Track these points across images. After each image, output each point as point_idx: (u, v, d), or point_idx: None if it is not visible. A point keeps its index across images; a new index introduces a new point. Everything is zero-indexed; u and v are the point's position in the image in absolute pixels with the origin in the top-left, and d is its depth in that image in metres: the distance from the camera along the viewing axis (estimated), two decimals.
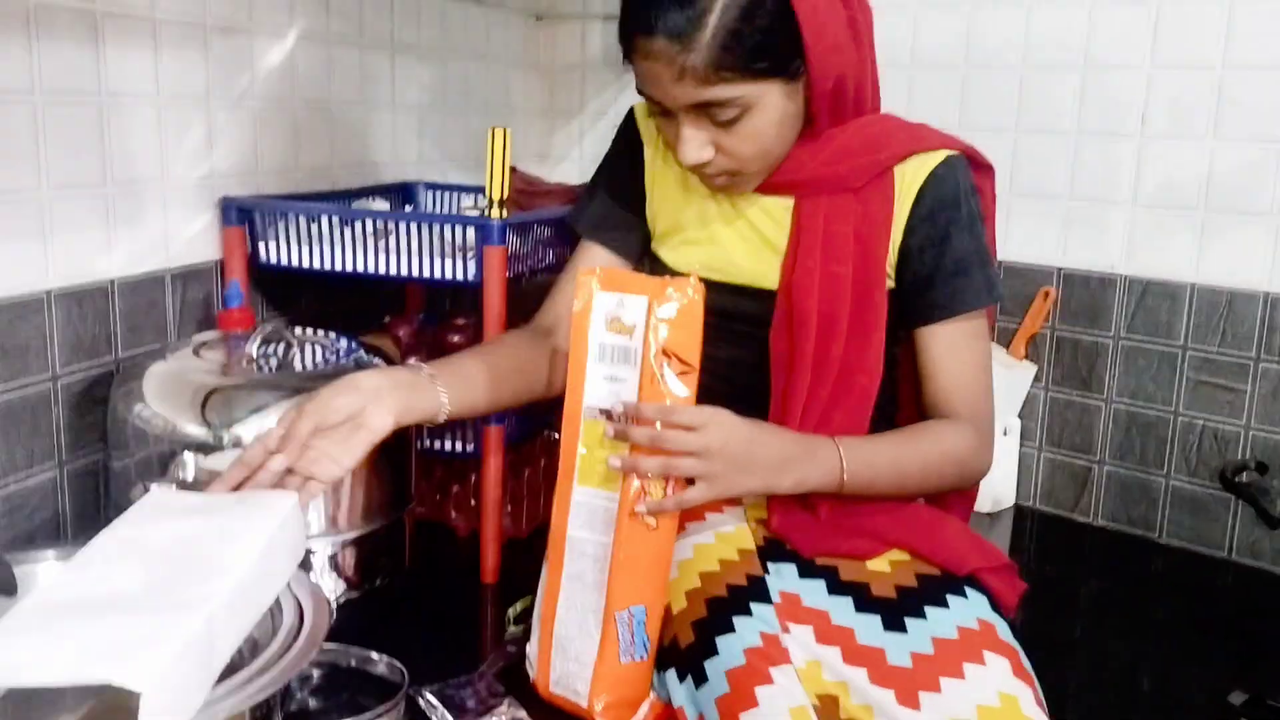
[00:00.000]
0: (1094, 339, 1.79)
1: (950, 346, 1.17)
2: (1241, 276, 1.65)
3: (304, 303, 1.66)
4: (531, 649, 1.13)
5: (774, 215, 1.19)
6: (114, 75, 1.32)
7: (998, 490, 1.85)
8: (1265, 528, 1.60)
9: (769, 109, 1.07)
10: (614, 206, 1.30)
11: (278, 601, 0.95)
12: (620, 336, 1.05)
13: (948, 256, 1.15)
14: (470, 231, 1.42)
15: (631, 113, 1.31)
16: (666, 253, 1.26)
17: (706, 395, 1.23)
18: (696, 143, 1.09)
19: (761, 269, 1.20)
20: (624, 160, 1.30)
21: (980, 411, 1.17)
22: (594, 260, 1.29)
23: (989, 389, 1.19)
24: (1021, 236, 1.82)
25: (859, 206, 1.15)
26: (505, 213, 1.42)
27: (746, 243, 1.21)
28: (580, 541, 1.07)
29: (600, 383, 1.06)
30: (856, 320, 1.14)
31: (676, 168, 1.24)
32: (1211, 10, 1.62)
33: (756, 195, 1.19)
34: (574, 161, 2.34)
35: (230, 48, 1.49)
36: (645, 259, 1.32)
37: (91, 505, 1.34)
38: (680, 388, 1.04)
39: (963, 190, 1.16)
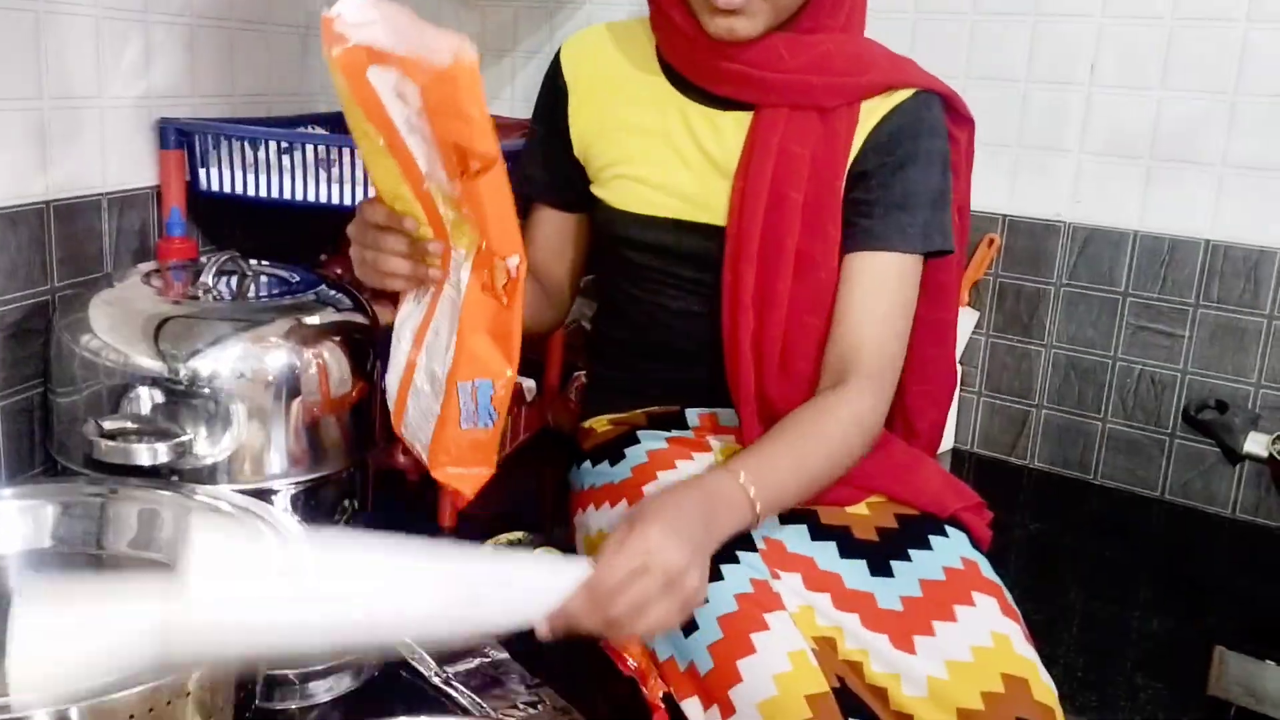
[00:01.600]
0: (1036, 286, 1.82)
1: (873, 283, 1.09)
2: (1183, 225, 1.69)
3: (238, 235, 1.58)
4: (391, 383, 1.09)
5: (726, 135, 1.13)
6: None
7: None
8: (1217, 468, 1.66)
9: None
10: (551, 162, 1.23)
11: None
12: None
13: (896, 188, 1.09)
14: None
15: (557, 57, 1.23)
16: (603, 190, 1.19)
17: (655, 352, 1.22)
18: None
19: (712, 200, 1.13)
20: (550, 111, 1.23)
21: (886, 367, 1.09)
22: (547, 223, 1.26)
23: (899, 339, 1.11)
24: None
25: (821, 129, 1.10)
26: None
27: (693, 170, 1.14)
28: (445, 300, 1.00)
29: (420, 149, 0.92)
30: (806, 253, 1.09)
31: (614, 101, 1.18)
32: None
33: (710, 110, 1.13)
34: (505, 101, 2.27)
35: None
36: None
37: (26, 444, 1.25)
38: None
39: (928, 127, 1.12)
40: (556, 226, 1.26)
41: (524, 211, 1.25)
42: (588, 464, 1.21)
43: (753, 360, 1.10)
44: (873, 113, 1.11)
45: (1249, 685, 1.14)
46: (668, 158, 1.15)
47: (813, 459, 1.03)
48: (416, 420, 1.05)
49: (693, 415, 1.23)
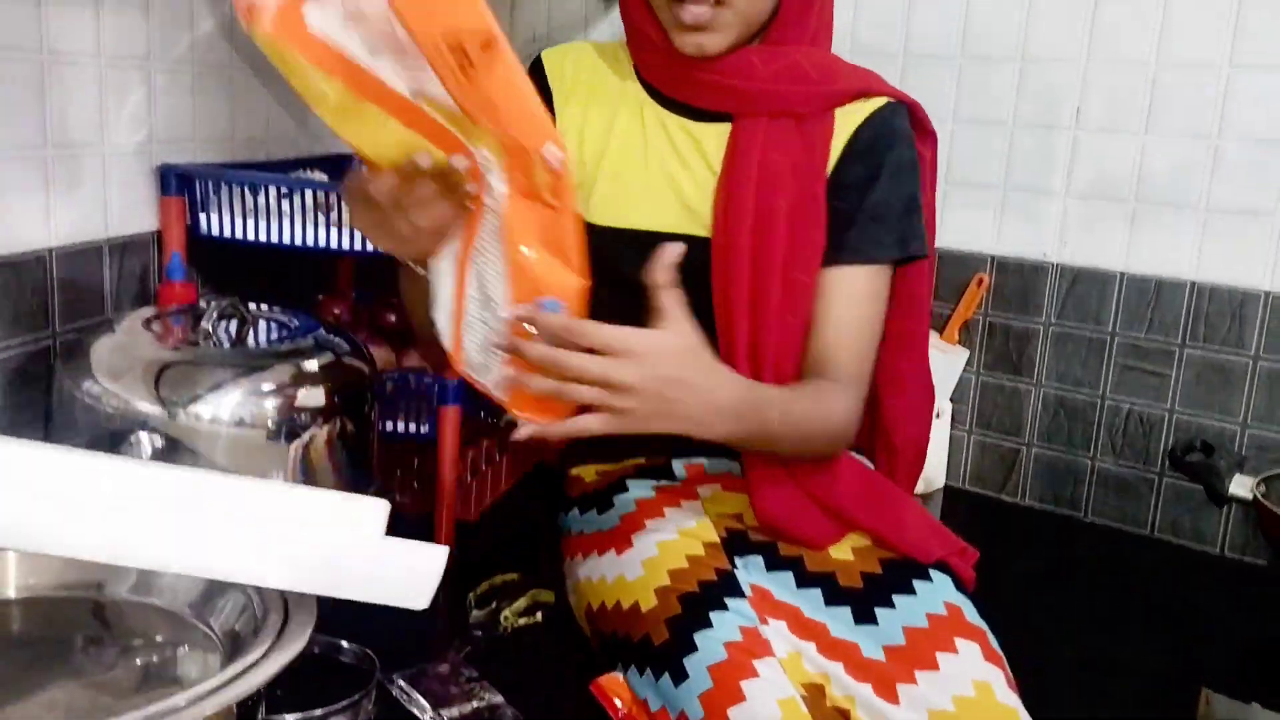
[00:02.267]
0: (1025, 325, 1.84)
1: (848, 296, 1.12)
2: (1169, 266, 1.72)
3: (236, 277, 1.60)
4: (441, 321, 1.01)
5: (706, 144, 1.14)
6: (55, 32, 1.24)
7: (929, 472, 1.89)
8: (1205, 507, 1.67)
9: None
10: None
11: (261, 594, 0.92)
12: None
13: (870, 198, 1.12)
14: None
15: (538, 62, 1.24)
16: (584, 205, 1.16)
17: None
18: None
19: (695, 210, 1.14)
20: None
21: (861, 372, 1.13)
22: None
23: (873, 349, 1.15)
24: (957, 224, 1.86)
25: (799, 137, 1.12)
26: None
27: (676, 181, 1.15)
28: (487, 218, 0.91)
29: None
30: (791, 262, 1.10)
31: (594, 109, 1.18)
32: (1147, 7, 1.68)
33: (689, 122, 1.15)
34: None
35: (171, 7, 1.42)
36: None
37: None
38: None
39: (900, 137, 1.14)
40: None
41: None
42: (575, 511, 1.22)
43: (749, 371, 1.10)
44: (848, 121, 1.13)
45: None
46: (649, 171, 1.16)
47: (802, 413, 1.06)
48: (479, 358, 0.96)
49: (679, 466, 1.24)
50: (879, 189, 1.12)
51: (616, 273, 1.10)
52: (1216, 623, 1.49)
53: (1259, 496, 1.33)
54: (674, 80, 1.15)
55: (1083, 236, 1.78)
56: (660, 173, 1.15)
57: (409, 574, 0.83)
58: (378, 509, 0.86)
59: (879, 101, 1.14)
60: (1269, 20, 1.61)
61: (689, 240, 1.09)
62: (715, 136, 1.14)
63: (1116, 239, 1.75)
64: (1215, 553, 1.71)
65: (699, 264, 1.11)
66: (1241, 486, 1.37)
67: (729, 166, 1.12)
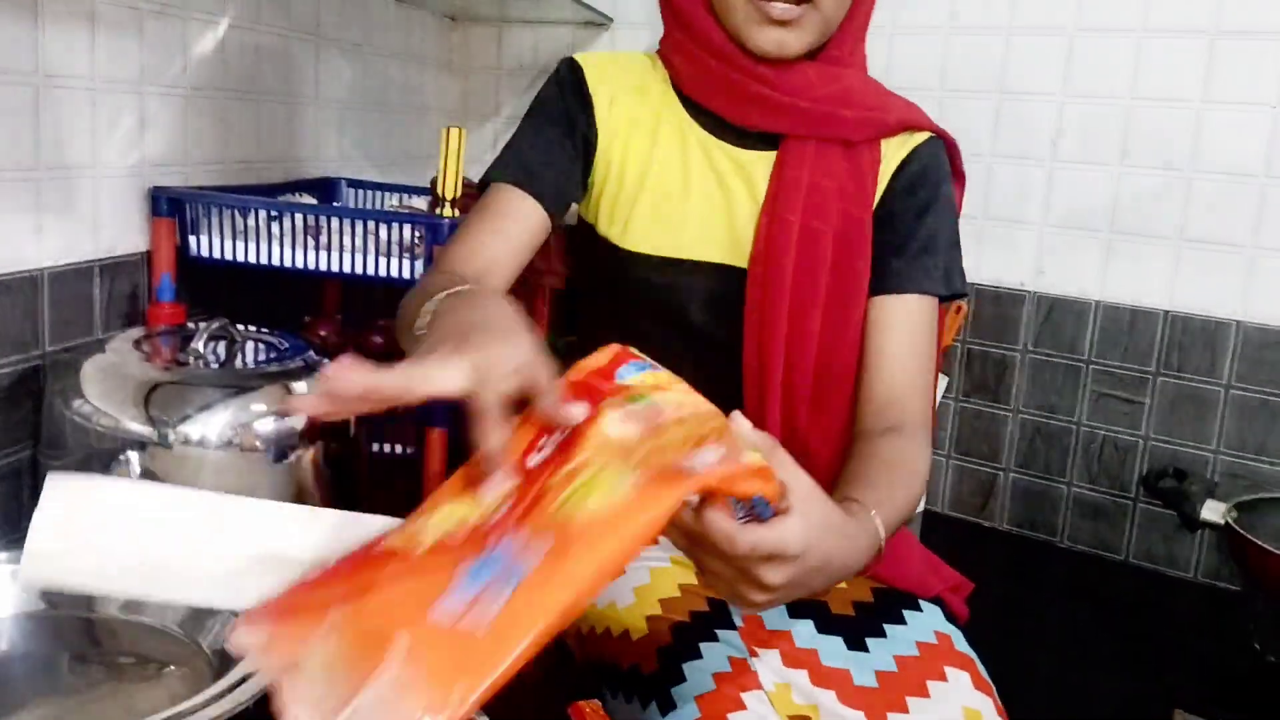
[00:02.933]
0: (1003, 352, 1.87)
1: (909, 326, 1.07)
2: (1143, 296, 1.75)
3: (224, 298, 1.61)
4: None
5: (750, 172, 1.09)
6: (51, 56, 1.26)
7: None
8: (1179, 532, 1.69)
9: None
10: (552, 151, 1.09)
11: None
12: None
13: (921, 231, 1.08)
14: (407, 230, 1.40)
15: (573, 63, 1.13)
16: (612, 228, 1.11)
17: None
18: None
19: (733, 240, 1.08)
20: (569, 115, 1.10)
21: (929, 415, 1.08)
22: (522, 207, 1.06)
23: (932, 387, 1.10)
24: None
25: (845, 164, 1.08)
26: (456, 212, 1.41)
27: (717, 211, 1.09)
28: None
29: None
30: (836, 289, 1.06)
31: (637, 125, 1.10)
32: (1121, 44, 1.72)
33: (734, 149, 1.09)
34: (487, 165, 2.32)
35: (164, 32, 1.44)
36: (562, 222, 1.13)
37: (15, 506, 1.27)
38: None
39: (945, 173, 1.12)
40: (530, 224, 1.07)
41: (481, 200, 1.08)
42: None
43: (781, 401, 1.07)
44: (895, 153, 1.10)
45: None
46: (691, 197, 1.10)
47: (909, 499, 0.96)
48: None
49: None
50: (928, 222, 1.08)
51: (654, 301, 1.11)
52: (1189, 646, 1.51)
53: (1230, 522, 1.36)
54: (726, 93, 1.08)
55: (1059, 266, 1.81)
56: (703, 200, 1.10)
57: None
58: None
59: (924, 135, 1.11)
60: (1240, 57, 1.65)
61: (730, 271, 1.08)
62: (762, 164, 1.09)
63: (1092, 269, 1.79)
64: (1189, 577, 1.74)
65: (731, 299, 1.08)
66: (1213, 512, 1.39)
67: (775, 190, 1.07)
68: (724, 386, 1.06)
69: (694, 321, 1.11)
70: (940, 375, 1.90)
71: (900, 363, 1.06)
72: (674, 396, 0.76)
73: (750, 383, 1.08)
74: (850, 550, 0.82)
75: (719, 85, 1.08)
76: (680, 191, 1.10)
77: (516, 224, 1.06)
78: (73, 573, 0.74)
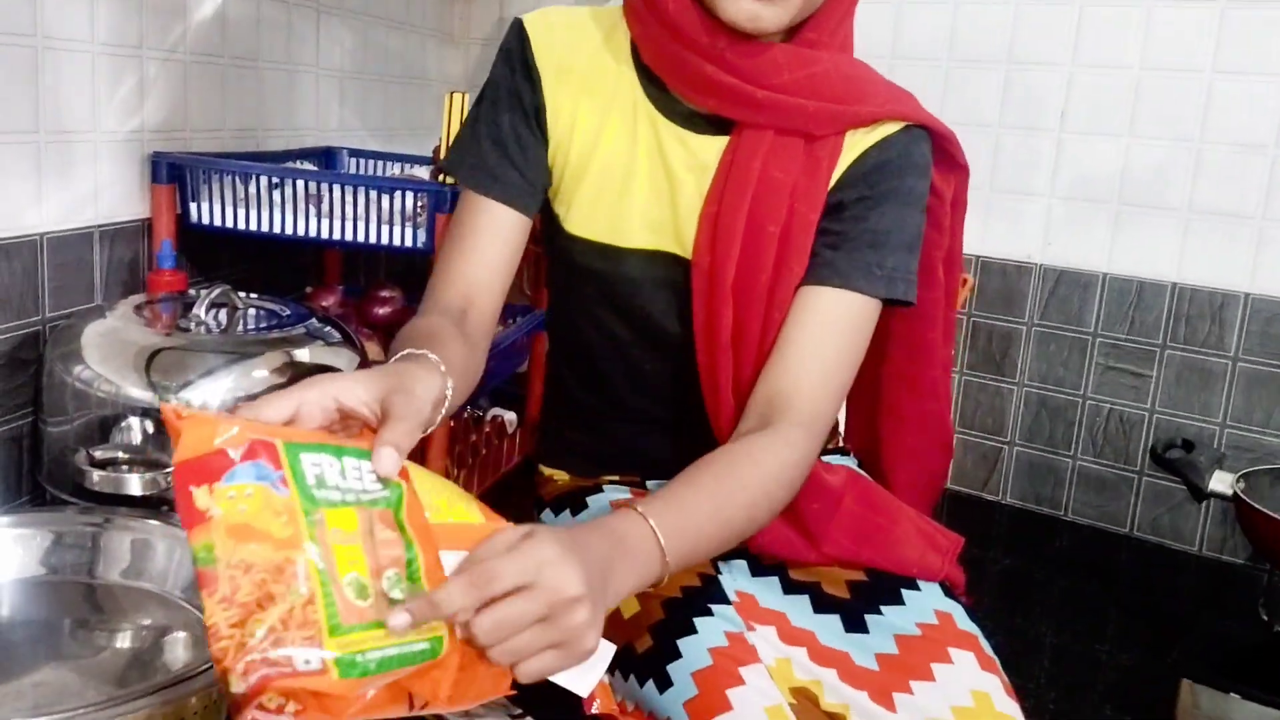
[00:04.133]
0: (1009, 325, 1.86)
1: (826, 323, 0.98)
2: (1150, 268, 1.74)
3: (225, 266, 1.60)
4: None
5: (701, 158, 1.01)
6: (51, 18, 1.24)
7: None
8: (1184, 505, 1.69)
9: None
10: (517, 152, 1.03)
11: None
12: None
13: (867, 224, 0.98)
14: (409, 198, 1.39)
15: (521, 30, 1.05)
16: (568, 212, 1.05)
17: (616, 414, 1.10)
18: None
19: (682, 231, 1.02)
20: (517, 92, 1.04)
21: (819, 416, 0.97)
22: (500, 227, 1.02)
23: (841, 390, 1.00)
24: None
25: (804, 157, 0.99)
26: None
27: (662, 198, 1.02)
28: None
29: None
30: (774, 289, 0.99)
31: (586, 101, 1.03)
32: (1131, 13, 1.70)
33: (686, 134, 1.01)
34: None
35: None
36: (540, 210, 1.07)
37: (15, 473, 1.26)
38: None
39: (913, 165, 1.01)
40: (506, 233, 1.02)
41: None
42: (549, 511, 1.15)
43: (734, 402, 1.01)
44: (857, 143, 1.00)
45: (1215, 717, 1.17)
46: (636, 182, 1.03)
47: (731, 509, 0.90)
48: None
49: (654, 486, 1.14)
50: (878, 216, 0.98)
51: (599, 287, 1.06)
52: (1195, 618, 1.51)
53: (1239, 492, 1.35)
54: (682, 72, 0.99)
55: (1066, 238, 1.80)
56: (648, 185, 1.02)
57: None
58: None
59: (895, 125, 1.00)
60: (1250, 27, 1.63)
61: (674, 260, 1.02)
62: (714, 153, 1.00)
63: (1099, 241, 1.77)
64: (1194, 550, 1.74)
65: (682, 288, 1.02)
66: (1221, 483, 1.38)
67: (723, 181, 0.99)
68: (682, 378, 1.05)
69: (642, 309, 1.05)
70: None
71: (799, 357, 0.97)
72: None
73: (705, 378, 1.02)
74: (595, 572, 0.73)
75: (671, 62, 0.99)
76: (625, 175, 1.02)
77: (493, 240, 1.02)
78: None
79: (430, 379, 0.78)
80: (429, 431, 0.77)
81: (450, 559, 0.68)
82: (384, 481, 0.68)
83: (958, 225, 1.11)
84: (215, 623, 0.58)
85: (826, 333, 0.97)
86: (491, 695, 0.68)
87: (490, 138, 1.03)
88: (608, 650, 0.73)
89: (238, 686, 0.57)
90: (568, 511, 1.13)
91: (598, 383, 1.11)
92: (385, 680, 0.61)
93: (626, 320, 1.06)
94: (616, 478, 1.15)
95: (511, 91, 1.03)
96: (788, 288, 0.98)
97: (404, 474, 0.70)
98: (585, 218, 1.04)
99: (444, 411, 0.81)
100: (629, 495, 1.11)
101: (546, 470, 1.20)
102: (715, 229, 0.98)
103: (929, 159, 1.02)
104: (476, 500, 0.75)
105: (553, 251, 1.09)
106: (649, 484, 1.14)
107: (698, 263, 1.00)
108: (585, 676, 0.73)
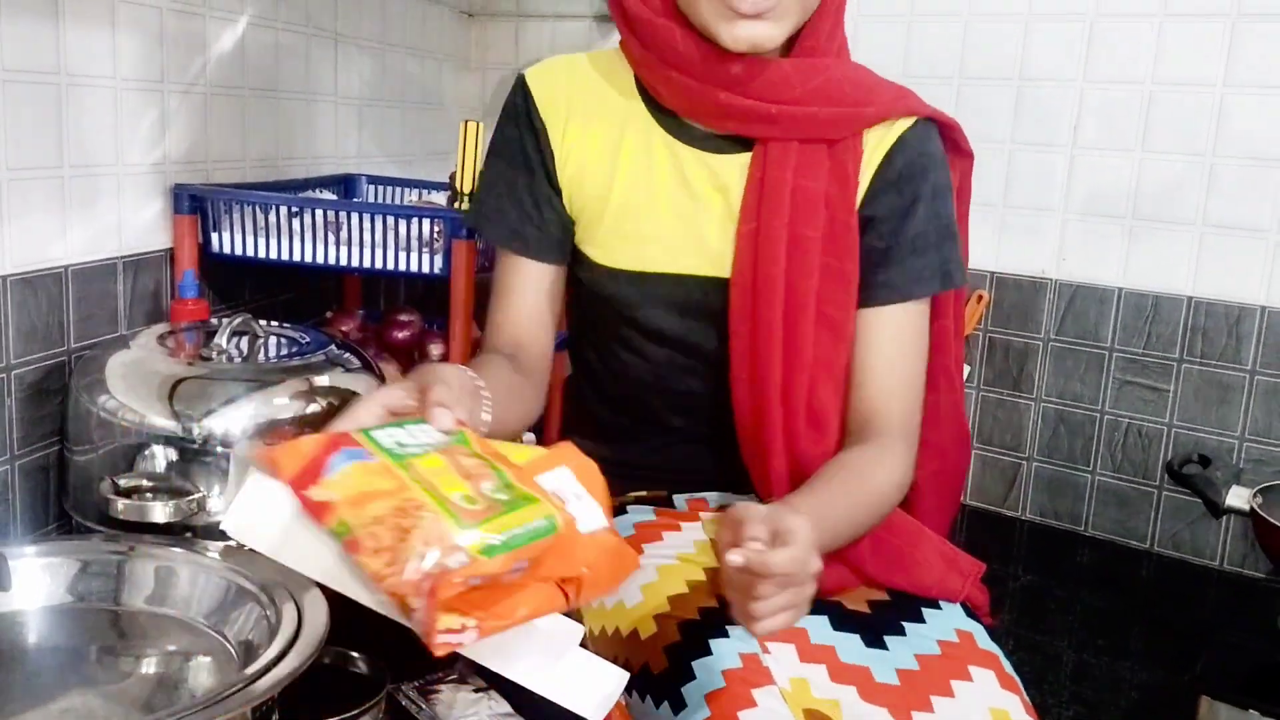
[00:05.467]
0: (1025, 341, 1.86)
1: (893, 339, 1.03)
2: (1166, 282, 1.74)
3: (246, 295, 1.63)
4: None
5: (727, 177, 1.03)
6: (74, 56, 1.27)
7: None
8: (1204, 519, 1.69)
9: None
10: (533, 208, 1.08)
11: (275, 604, 0.94)
12: None
13: (908, 232, 1.03)
14: (426, 225, 1.41)
15: (523, 85, 1.09)
16: (590, 247, 1.09)
17: (641, 431, 1.12)
18: None
19: (714, 250, 1.04)
20: (525, 149, 1.08)
21: (914, 422, 1.05)
22: (530, 281, 1.09)
23: (921, 394, 1.07)
24: None
25: (829, 162, 1.02)
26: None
27: (688, 220, 1.05)
28: None
29: None
30: (827, 298, 1.01)
31: (597, 129, 1.07)
32: (1141, 28, 1.71)
33: (706, 155, 1.04)
34: None
35: (184, 30, 1.45)
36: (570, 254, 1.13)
37: (42, 501, 1.29)
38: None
39: (933, 160, 1.05)
40: (539, 283, 1.10)
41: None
42: None
43: (782, 415, 1.03)
44: (877, 146, 1.04)
45: None
46: (661, 209, 1.05)
47: (862, 510, 0.99)
48: None
49: (680, 500, 1.16)
50: (915, 220, 1.02)
51: (629, 317, 1.09)
52: (1215, 633, 1.50)
53: (1256, 508, 1.35)
54: (694, 101, 1.02)
55: (1081, 253, 1.80)
56: (671, 210, 1.05)
57: (590, 687, 0.81)
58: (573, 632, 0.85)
59: (907, 122, 1.04)
60: (1262, 41, 1.64)
61: (706, 282, 1.05)
62: (737, 170, 1.03)
63: (1114, 255, 1.78)
64: (1214, 565, 1.73)
65: (718, 308, 1.04)
66: (1238, 498, 1.38)
67: (758, 197, 1.01)
68: (715, 393, 1.08)
69: (673, 330, 1.08)
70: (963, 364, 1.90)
71: (883, 376, 1.03)
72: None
73: (741, 396, 1.04)
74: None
75: (682, 95, 1.02)
76: (647, 203, 1.05)
77: (526, 292, 1.10)
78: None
79: (460, 375, 0.87)
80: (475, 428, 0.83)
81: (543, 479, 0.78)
82: (447, 433, 0.78)
83: (964, 212, 1.14)
84: (375, 569, 0.68)
85: (900, 348, 1.04)
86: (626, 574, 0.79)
87: (508, 196, 1.08)
88: (618, 675, 0.80)
89: (416, 603, 0.68)
90: None
91: (627, 402, 1.14)
92: (525, 555, 0.70)
93: (658, 340, 1.09)
94: (644, 493, 1.16)
95: (520, 149, 1.08)
96: (839, 290, 1.02)
97: (460, 424, 0.80)
98: (610, 249, 1.07)
99: (486, 414, 0.89)
100: (654, 518, 1.12)
101: None
102: (756, 245, 1.01)
103: (941, 150, 1.06)
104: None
105: (578, 281, 1.12)
106: (675, 498, 1.16)
107: (738, 281, 1.02)
108: (593, 698, 0.80)
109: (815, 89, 1.00)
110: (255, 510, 0.76)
